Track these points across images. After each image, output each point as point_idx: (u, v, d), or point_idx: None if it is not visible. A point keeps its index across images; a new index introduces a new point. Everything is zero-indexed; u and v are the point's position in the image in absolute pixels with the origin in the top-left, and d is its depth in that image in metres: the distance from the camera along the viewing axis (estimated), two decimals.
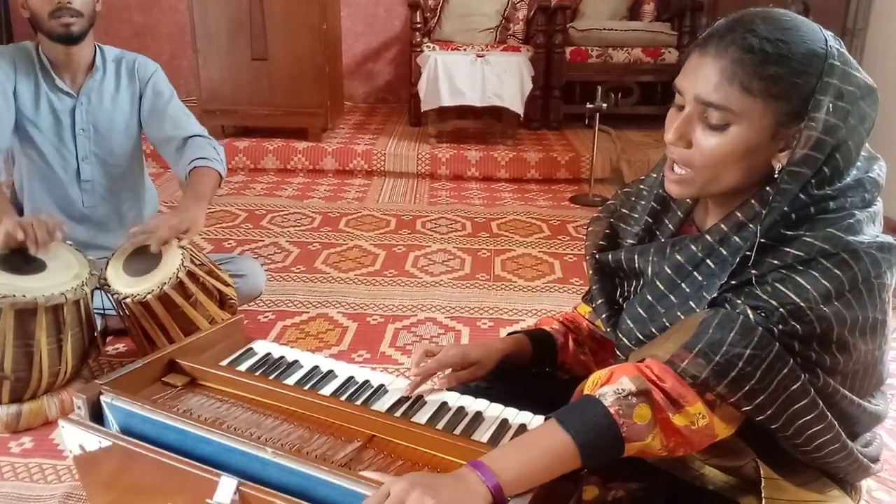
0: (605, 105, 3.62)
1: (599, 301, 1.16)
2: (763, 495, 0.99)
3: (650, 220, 1.12)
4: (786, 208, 0.93)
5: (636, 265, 1.10)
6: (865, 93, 0.94)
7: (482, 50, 4.29)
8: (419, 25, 4.62)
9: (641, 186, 1.17)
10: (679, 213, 1.11)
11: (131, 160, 2.24)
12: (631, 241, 1.14)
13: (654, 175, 1.14)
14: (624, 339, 1.08)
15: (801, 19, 0.95)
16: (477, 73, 4.20)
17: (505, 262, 2.91)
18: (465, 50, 4.30)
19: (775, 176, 0.95)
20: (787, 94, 0.92)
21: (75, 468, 1.14)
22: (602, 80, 4.33)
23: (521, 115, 4.33)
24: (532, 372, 1.31)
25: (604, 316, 1.15)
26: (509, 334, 1.33)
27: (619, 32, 4.70)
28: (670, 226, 1.12)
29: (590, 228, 1.22)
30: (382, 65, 5.60)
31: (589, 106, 3.65)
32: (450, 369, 1.24)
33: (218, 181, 2.11)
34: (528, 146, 4.35)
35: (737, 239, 0.98)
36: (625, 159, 4.12)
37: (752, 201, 0.98)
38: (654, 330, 1.03)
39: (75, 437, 1.09)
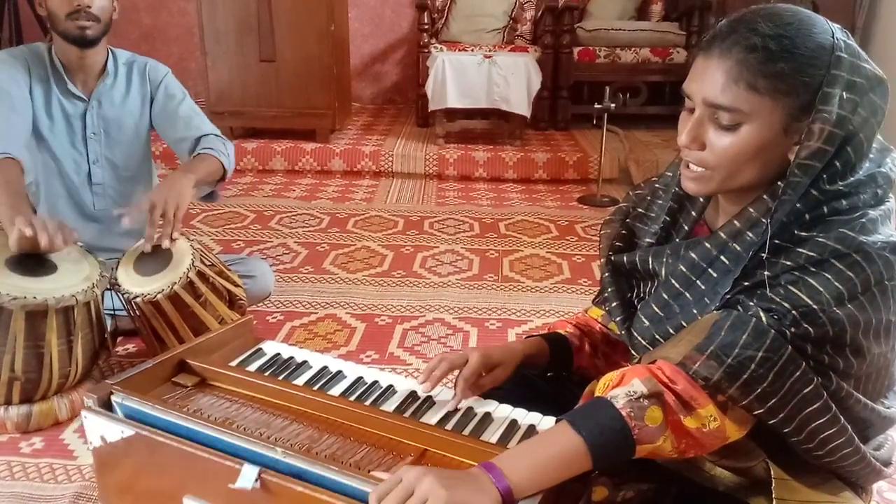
0: (613, 105, 3.62)
1: (614, 303, 1.15)
2: (774, 496, 0.98)
3: (668, 219, 1.12)
4: (798, 205, 0.93)
5: (650, 266, 1.09)
6: (875, 84, 0.93)
7: (490, 51, 4.29)
8: (427, 26, 4.63)
9: (657, 185, 1.17)
10: (693, 213, 1.11)
11: (141, 163, 2.26)
12: (649, 241, 1.12)
13: (670, 174, 1.13)
14: (639, 337, 1.08)
15: (806, 13, 0.94)
16: (484, 74, 4.19)
17: (513, 262, 2.91)
18: (472, 51, 4.30)
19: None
20: (796, 89, 0.91)
21: (93, 460, 1.14)
22: (610, 80, 4.33)
23: (528, 117, 4.32)
24: (547, 376, 1.30)
25: (619, 318, 1.14)
26: (525, 338, 1.31)
27: (628, 32, 4.69)
28: (685, 226, 1.11)
29: (602, 231, 1.22)
30: (390, 66, 5.60)
31: (597, 106, 3.64)
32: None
33: (218, 168, 2.12)
34: (536, 147, 4.34)
35: (750, 235, 0.98)
36: (633, 159, 4.11)
37: (765, 197, 0.97)
38: (670, 329, 1.03)
39: (97, 428, 1.09)
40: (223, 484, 0.96)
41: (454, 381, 1.20)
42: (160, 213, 1.87)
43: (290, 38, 4.12)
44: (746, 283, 0.95)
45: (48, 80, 2.07)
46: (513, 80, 4.19)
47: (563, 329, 1.31)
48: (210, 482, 1.00)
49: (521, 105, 4.23)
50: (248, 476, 0.94)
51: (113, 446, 1.09)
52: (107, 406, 1.12)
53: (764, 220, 0.96)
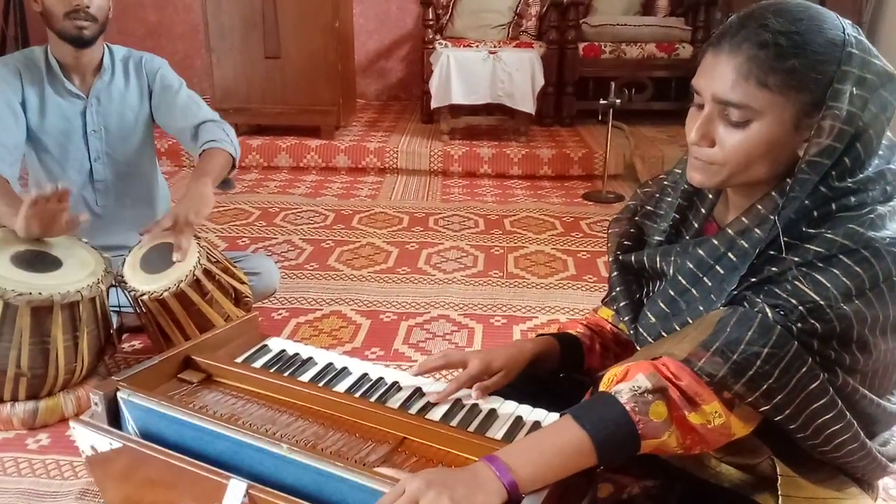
0: (618, 101, 3.60)
1: (623, 303, 1.14)
2: (780, 493, 0.98)
3: (678, 217, 1.11)
4: (807, 202, 0.92)
5: (657, 265, 1.08)
6: (886, 80, 0.93)
7: (494, 46, 4.28)
8: (431, 22, 4.62)
9: (665, 183, 1.15)
10: (703, 210, 1.10)
11: (143, 159, 2.26)
12: (658, 239, 1.11)
13: (679, 171, 1.12)
14: (644, 333, 1.07)
15: (817, 8, 0.94)
16: (489, 70, 4.18)
17: (518, 259, 2.91)
18: (477, 47, 4.29)
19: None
20: (806, 86, 0.90)
21: (88, 468, 1.14)
22: (615, 75, 4.31)
23: (532, 113, 4.31)
24: (558, 376, 1.29)
25: (627, 318, 1.13)
26: (536, 336, 1.30)
27: (633, 28, 4.68)
28: (695, 223, 1.10)
29: (611, 230, 1.21)
30: (395, 62, 5.60)
31: (602, 102, 3.62)
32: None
33: (228, 160, 2.11)
34: (541, 143, 4.33)
35: (757, 231, 0.97)
36: (638, 155, 4.10)
37: (773, 193, 0.97)
38: (676, 326, 1.02)
39: (87, 439, 1.09)
40: (212, 495, 0.95)
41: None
42: (189, 235, 1.87)
43: (295, 35, 4.12)
44: (753, 280, 0.94)
45: (43, 83, 2.07)
46: (517, 77, 4.18)
47: (573, 329, 1.30)
48: (200, 493, 0.99)
49: (525, 101, 4.22)
50: (234, 493, 0.93)
51: (104, 455, 1.09)
52: (113, 402, 1.12)
53: (772, 217, 0.95)
